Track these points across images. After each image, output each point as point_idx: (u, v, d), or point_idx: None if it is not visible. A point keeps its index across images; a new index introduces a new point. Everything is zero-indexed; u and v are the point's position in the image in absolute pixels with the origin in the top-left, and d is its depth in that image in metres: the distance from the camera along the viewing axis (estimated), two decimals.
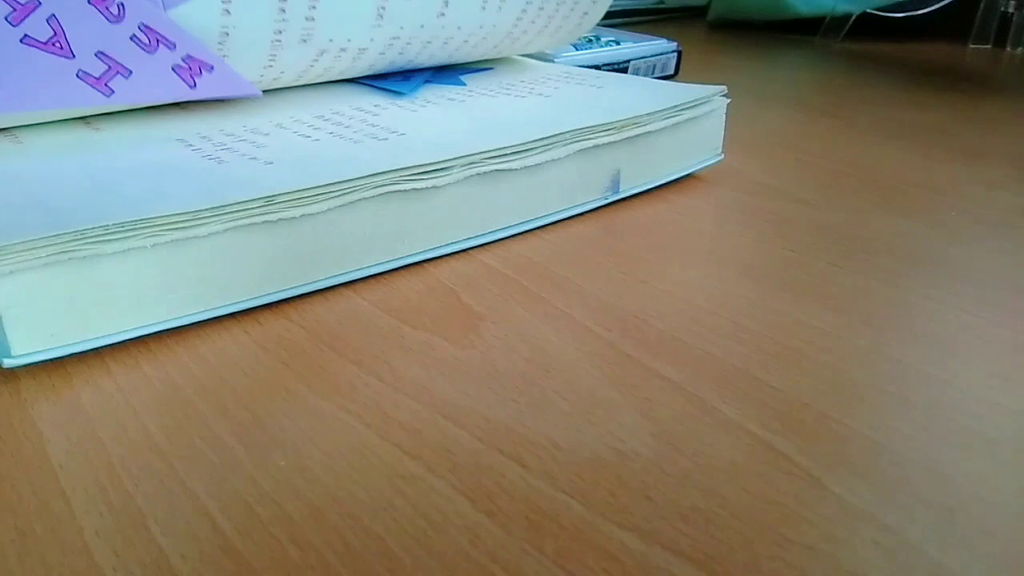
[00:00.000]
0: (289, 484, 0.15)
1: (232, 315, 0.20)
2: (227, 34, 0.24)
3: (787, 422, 0.16)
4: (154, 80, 0.23)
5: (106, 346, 0.18)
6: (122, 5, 0.22)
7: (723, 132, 0.31)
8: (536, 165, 0.24)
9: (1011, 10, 0.61)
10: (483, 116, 0.27)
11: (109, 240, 0.18)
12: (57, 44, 0.21)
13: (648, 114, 0.27)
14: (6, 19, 0.20)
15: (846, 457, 0.16)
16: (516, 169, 0.24)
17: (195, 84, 0.24)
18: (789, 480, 0.15)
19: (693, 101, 0.29)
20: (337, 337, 0.19)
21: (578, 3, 0.32)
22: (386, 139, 0.24)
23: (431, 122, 0.26)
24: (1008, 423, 0.17)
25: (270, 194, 0.19)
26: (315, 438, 0.16)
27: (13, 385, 0.17)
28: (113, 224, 0.17)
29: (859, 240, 0.25)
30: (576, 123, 0.25)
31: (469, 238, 0.24)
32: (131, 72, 0.22)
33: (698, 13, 0.75)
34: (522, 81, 0.33)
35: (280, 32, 0.25)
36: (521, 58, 0.38)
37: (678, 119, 0.28)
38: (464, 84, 0.31)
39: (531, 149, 0.24)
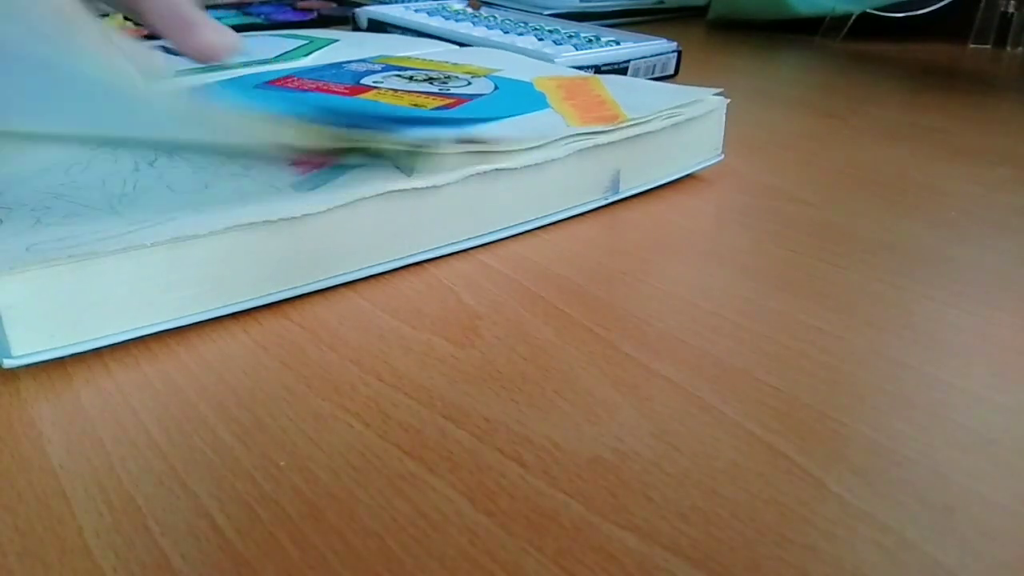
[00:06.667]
0: (289, 484, 0.15)
1: (232, 315, 0.20)
2: None
3: (787, 422, 0.16)
4: None
5: (106, 346, 0.18)
6: None
7: (723, 132, 0.31)
8: (536, 165, 0.24)
9: (1011, 10, 0.61)
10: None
11: (109, 240, 0.18)
12: None
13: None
14: None
15: (846, 457, 0.15)
16: (516, 168, 0.24)
17: None
18: (789, 480, 0.15)
19: (689, 102, 0.29)
20: (337, 337, 0.19)
21: None
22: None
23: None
24: (1008, 423, 0.17)
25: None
26: (315, 438, 0.16)
27: (13, 385, 0.17)
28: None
29: (859, 240, 0.25)
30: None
31: (469, 238, 0.24)
32: None
33: (698, 13, 0.75)
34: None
35: None
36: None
37: (678, 119, 0.28)
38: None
39: (530, 148, 0.24)
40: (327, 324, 0.20)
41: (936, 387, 0.18)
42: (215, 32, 0.29)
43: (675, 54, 0.47)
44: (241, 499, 0.14)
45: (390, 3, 0.59)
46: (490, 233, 0.24)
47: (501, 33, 0.46)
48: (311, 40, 0.39)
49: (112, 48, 0.22)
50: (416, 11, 0.53)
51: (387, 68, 0.32)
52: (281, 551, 0.13)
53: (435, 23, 0.49)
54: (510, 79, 0.31)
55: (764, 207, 0.28)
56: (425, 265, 0.23)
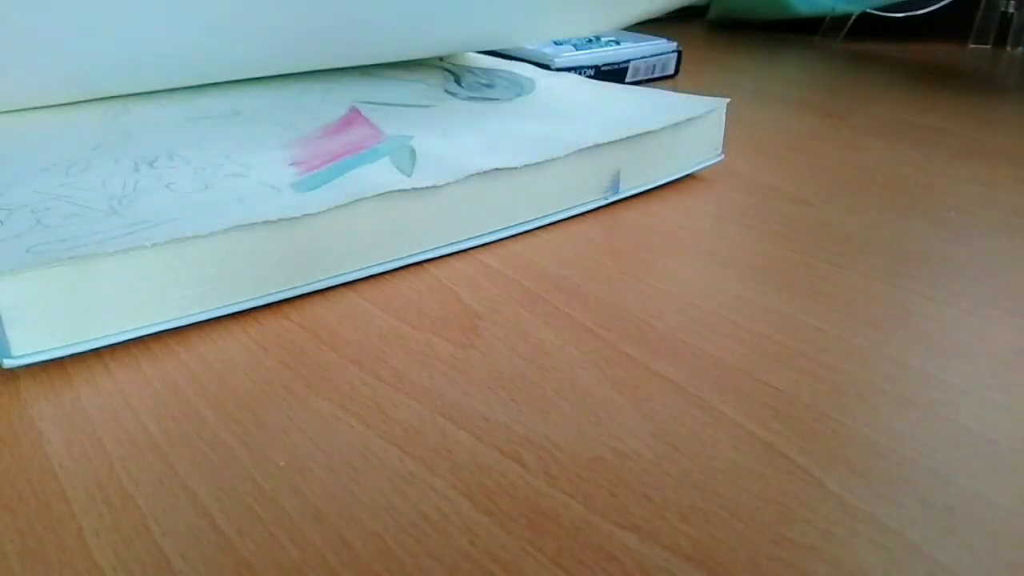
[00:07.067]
0: (289, 484, 0.15)
1: (232, 315, 0.20)
2: None
3: (787, 422, 0.16)
4: None
5: (106, 346, 0.18)
6: None
7: (723, 132, 0.31)
8: (536, 164, 0.24)
9: (1011, 10, 0.61)
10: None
11: (109, 241, 0.18)
12: None
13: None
14: None
15: (846, 457, 0.16)
16: (516, 168, 0.24)
17: None
18: (789, 480, 0.15)
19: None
20: (337, 337, 0.19)
21: None
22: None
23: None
24: (1008, 423, 0.17)
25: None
26: (315, 438, 0.16)
27: (13, 385, 0.17)
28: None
29: (859, 240, 0.25)
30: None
31: (469, 238, 0.24)
32: None
33: (698, 13, 0.75)
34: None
35: None
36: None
37: (678, 120, 0.28)
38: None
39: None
40: (327, 324, 0.20)
41: (936, 387, 0.18)
42: None
43: (675, 54, 0.47)
44: (241, 499, 0.14)
45: None
46: (490, 233, 0.24)
47: None
48: None
49: None
50: None
51: None
52: (281, 551, 0.13)
53: None
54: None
55: (764, 207, 0.28)
56: (425, 265, 0.23)
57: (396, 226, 0.22)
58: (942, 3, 0.60)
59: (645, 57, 0.45)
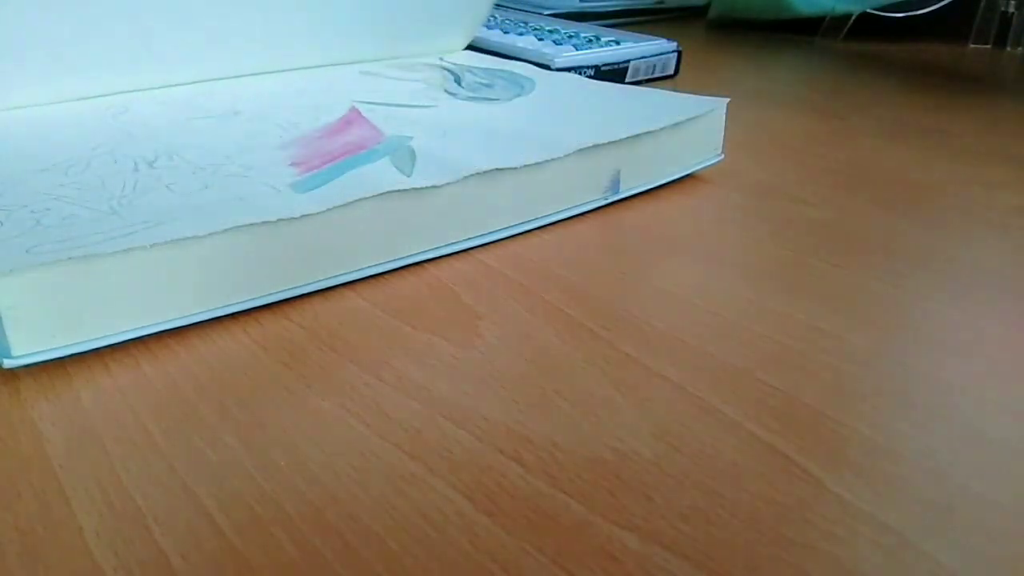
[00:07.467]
0: (289, 484, 0.15)
1: (232, 315, 0.20)
2: None
3: (787, 422, 0.16)
4: None
5: (106, 346, 0.18)
6: None
7: (723, 132, 0.31)
8: (536, 164, 0.24)
9: (1011, 10, 0.61)
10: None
11: (108, 241, 0.18)
12: None
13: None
14: None
15: (846, 457, 0.15)
16: (516, 168, 0.24)
17: None
18: (789, 480, 0.15)
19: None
20: (337, 337, 0.19)
21: None
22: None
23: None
24: (1008, 423, 0.17)
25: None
26: (315, 438, 0.16)
27: (13, 385, 0.17)
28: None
29: (859, 240, 0.25)
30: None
31: (469, 238, 0.24)
32: None
33: (698, 13, 0.75)
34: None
35: None
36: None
37: (678, 120, 0.28)
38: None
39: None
40: (327, 324, 0.20)
41: (936, 387, 0.18)
42: None
43: (675, 54, 0.47)
44: (241, 499, 0.14)
45: None
46: (490, 233, 0.24)
47: (501, 33, 0.47)
48: None
49: None
50: None
51: None
52: (281, 551, 0.13)
53: None
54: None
55: (764, 207, 0.28)
56: (425, 265, 0.23)
57: (396, 226, 0.22)
58: (942, 3, 0.60)
59: (645, 57, 0.45)
